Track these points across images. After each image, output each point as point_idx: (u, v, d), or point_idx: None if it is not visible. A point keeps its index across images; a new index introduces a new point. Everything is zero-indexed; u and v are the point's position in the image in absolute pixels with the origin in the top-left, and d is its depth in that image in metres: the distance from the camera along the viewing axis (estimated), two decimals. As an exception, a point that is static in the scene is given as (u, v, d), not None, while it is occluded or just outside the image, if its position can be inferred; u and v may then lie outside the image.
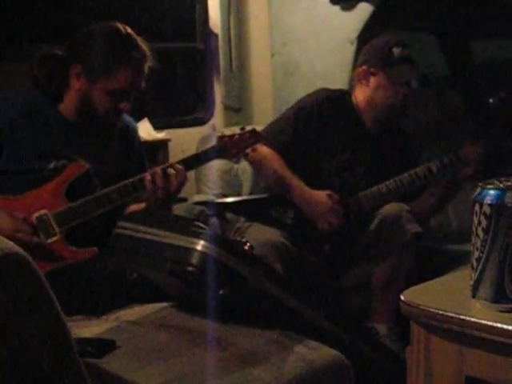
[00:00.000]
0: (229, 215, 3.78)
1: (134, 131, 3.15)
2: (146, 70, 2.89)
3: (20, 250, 1.48)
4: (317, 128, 3.55)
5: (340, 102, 3.64)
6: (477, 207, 1.35)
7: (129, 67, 2.84)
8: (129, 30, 2.89)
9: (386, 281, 3.42)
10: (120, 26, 2.88)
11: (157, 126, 4.36)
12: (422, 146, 4.26)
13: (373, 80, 3.55)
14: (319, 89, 3.72)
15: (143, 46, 2.88)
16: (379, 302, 3.46)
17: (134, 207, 3.01)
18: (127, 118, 3.09)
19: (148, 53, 2.89)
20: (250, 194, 4.10)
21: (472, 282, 1.38)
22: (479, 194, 1.35)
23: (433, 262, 3.70)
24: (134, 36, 2.88)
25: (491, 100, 5.08)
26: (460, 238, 4.25)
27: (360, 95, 3.62)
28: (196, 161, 2.98)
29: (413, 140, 3.86)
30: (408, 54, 3.53)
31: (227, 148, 3.00)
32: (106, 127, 2.97)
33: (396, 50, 3.50)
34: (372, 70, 3.55)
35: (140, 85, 2.90)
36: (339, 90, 3.75)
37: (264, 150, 3.50)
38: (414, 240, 3.38)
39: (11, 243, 1.48)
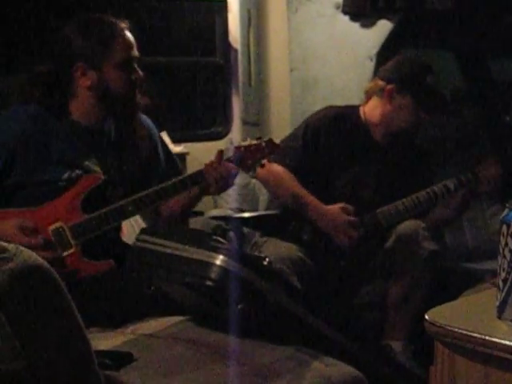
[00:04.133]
0: (245, 230, 3.78)
1: (150, 130, 3.10)
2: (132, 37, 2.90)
3: (43, 263, 1.49)
4: (325, 145, 3.56)
5: (347, 117, 3.63)
6: (504, 228, 1.34)
7: (119, 37, 2.83)
8: (93, 12, 2.93)
9: (402, 298, 3.41)
10: (84, 13, 2.92)
11: (175, 140, 4.38)
12: (439, 163, 4.25)
13: (399, 100, 3.52)
14: (326, 106, 3.73)
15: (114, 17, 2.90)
16: (394, 320, 3.45)
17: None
18: (142, 117, 3.06)
19: (126, 22, 2.90)
20: (267, 209, 4.11)
21: (498, 303, 1.37)
22: (507, 215, 1.35)
23: (448, 280, 3.69)
24: (102, 15, 2.90)
25: (508, 118, 5.08)
26: (476, 256, 4.24)
27: (376, 110, 3.59)
28: None
29: (428, 155, 3.85)
30: (437, 83, 3.54)
31: (243, 159, 2.98)
32: (122, 129, 2.96)
33: (429, 79, 3.49)
34: (401, 91, 3.52)
35: (136, 52, 2.90)
36: (346, 106, 3.74)
37: (276, 169, 3.51)
38: (431, 258, 3.37)
39: (35, 255, 1.49)
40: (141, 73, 2.91)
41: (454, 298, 3.07)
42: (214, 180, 2.88)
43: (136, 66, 2.90)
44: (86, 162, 2.84)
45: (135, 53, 2.89)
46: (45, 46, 3.80)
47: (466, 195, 3.52)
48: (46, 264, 1.49)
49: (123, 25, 2.88)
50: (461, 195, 3.51)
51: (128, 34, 2.88)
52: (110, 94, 2.86)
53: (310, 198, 3.47)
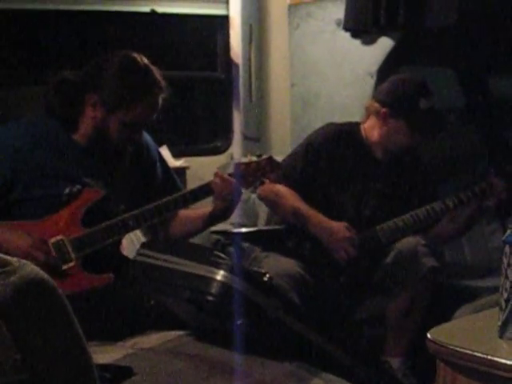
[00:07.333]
0: (245, 245, 3.78)
1: (149, 145, 3.11)
2: (160, 101, 2.89)
3: (46, 276, 1.49)
4: (327, 162, 3.55)
5: (348, 134, 3.63)
6: (507, 249, 1.35)
7: (147, 101, 2.84)
8: (145, 60, 2.87)
9: (401, 315, 3.41)
10: (136, 56, 2.87)
11: (175, 154, 4.39)
12: (439, 181, 4.25)
13: (392, 124, 3.51)
14: (327, 123, 3.73)
15: (159, 77, 2.87)
16: (393, 336, 3.45)
17: (193, 213, 3.06)
18: (143, 133, 3.05)
19: (164, 84, 2.88)
20: (267, 223, 4.11)
21: (500, 323, 1.38)
22: (510, 235, 1.35)
23: (447, 297, 3.68)
24: (151, 67, 2.87)
25: (509, 135, 5.07)
26: (475, 273, 4.23)
27: (374, 130, 3.59)
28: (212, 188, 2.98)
29: (429, 172, 3.85)
30: (433, 104, 3.50)
31: (244, 176, 2.99)
32: (119, 150, 2.97)
33: (423, 102, 3.46)
34: (394, 115, 3.50)
35: (153, 117, 2.90)
36: (347, 123, 3.73)
37: (277, 187, 3.52)
38: (431, 274, 3.36)
39: (37, 269, 1.49)
40: (142, 136, 2.96)
41: (452, 314, 3.10)
42: (220, 191, 2.89)
43: (143, 128, 2.92)
44: (87, 178, 2.85)
45: (152, 117, 2.89)
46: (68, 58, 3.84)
47: (468, 213, 3.51)
48: (48, 278, 1.49)
49: (161, 86, 2.87)
50: (463, 214, 3.50)
51: (158, 99, 2.87)
52: (104, 137, 2.87)
53: (312, 212, 3.46)
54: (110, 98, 2.81)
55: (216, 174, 2.94)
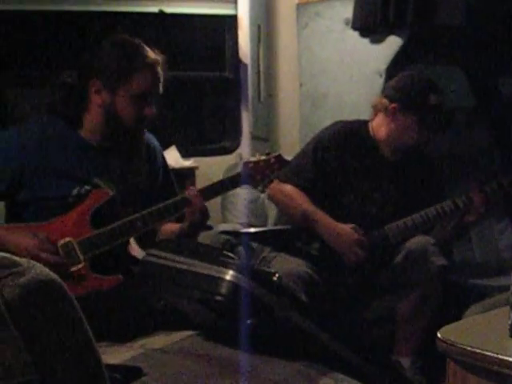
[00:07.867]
0: (254, 245, 3.78)
1: (156, 149, 3.12)
2: (161, 74, 2.89)
3: (55, 277, 1.49)
4: (335, 161, 3.55)
5: (356, 133, 3.63)
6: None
7: (145, 69, 2.83)
8: (137, 39, 2.90)
9: (411, 314, 3.41)
10: (127, 36, 2.91)
11: (184, 154, 4.39)
12: (448, 180, 4.25)
13: (401, 119, 3.51)
14: (335, 122, 3.73)
15: (154, 51, 2.89)
16: (403, 335, 3.45)
17: (170, 226, 3.02)
18: (149, 136, 3.08)
19: (160, 56, 2.89)
20: (276, 223, 4.11)
21: (510, 322, 1.37)
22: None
23: (456, 296, 3.68)
24: (143, 44, 2.88)
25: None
26: (484, 272, 4.22)
27: (382, 127, 3.59)
28: (221, 187, 2.97)
29: (438, 171, 3.84)
30: (441, 101, 3.50)
31: (252, 174, 2.99)
32: (130, 148, 2.97)
33: (432, 98, 3.44)
34: (403, 110, 3.51)
35: (158, 89, 2.90)
36: (355, 121, 3.73)
37: (286, 187, 3.53)
38: (440, 273, 3.36)
39: (47, 270, 1.49)
40: (154, 110, 2.90)
41: (461, 313, 3.09)
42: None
43: (152, 101, 2.90)
44: (95, 179, 2.86)
45: (156, 89, 2.89)
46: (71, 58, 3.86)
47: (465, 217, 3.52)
48: (57, 279, 1.49)
49: (158, 58, 2.88)
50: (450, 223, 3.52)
51: (157, 69, 2.87)
52: (116, 121, 2.87)
53: (321, 215, 3.46)
54: (111, 77, 2.82)
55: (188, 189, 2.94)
